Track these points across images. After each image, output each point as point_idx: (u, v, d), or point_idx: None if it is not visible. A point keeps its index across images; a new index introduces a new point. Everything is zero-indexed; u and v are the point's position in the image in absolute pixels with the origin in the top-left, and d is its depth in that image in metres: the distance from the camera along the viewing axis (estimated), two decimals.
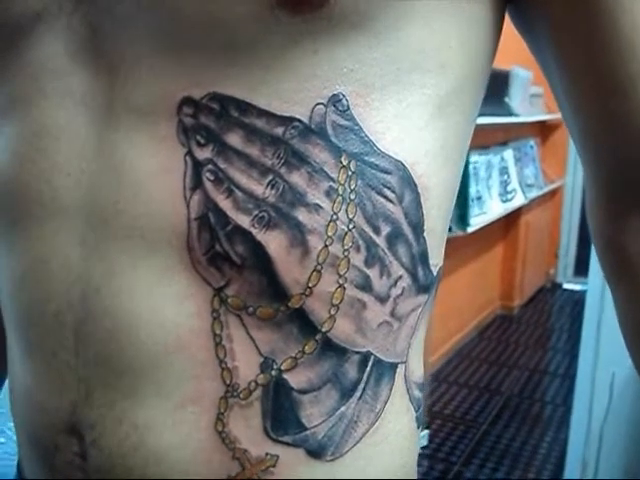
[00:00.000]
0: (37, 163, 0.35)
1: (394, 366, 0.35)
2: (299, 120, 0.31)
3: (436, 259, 0.36)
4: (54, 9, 0.33)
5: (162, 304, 0.32)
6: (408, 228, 0.34)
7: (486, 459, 2.27)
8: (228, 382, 0.32)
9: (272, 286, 0.32)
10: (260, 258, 0.31)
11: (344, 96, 0.31)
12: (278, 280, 0.32)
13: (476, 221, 2.79)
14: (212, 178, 0.31)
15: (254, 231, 0.31)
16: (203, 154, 0.31)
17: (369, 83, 0.32)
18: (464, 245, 2.98)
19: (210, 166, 0.31)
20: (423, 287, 0.35)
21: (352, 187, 0.32)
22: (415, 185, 0.34)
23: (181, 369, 0.33)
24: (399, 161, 0.33)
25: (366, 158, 0.32)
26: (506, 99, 3.17)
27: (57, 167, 0.34)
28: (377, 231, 0.33)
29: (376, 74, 0.32)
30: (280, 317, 0.32)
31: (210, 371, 0.32)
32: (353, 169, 0.32)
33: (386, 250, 0.33)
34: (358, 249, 0.32)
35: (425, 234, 0.35)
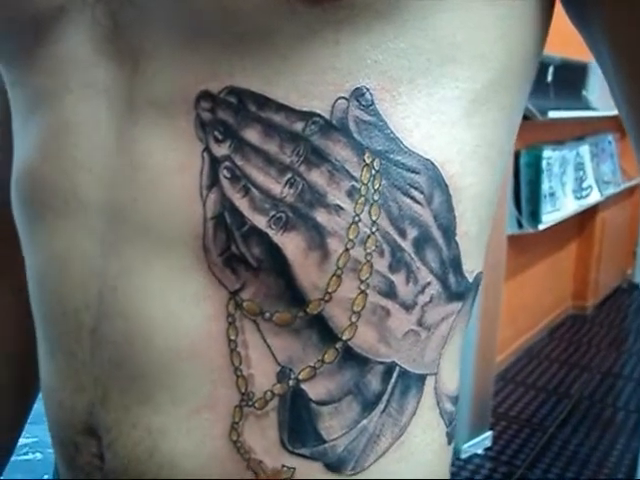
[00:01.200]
0: (60, 159, 0.34)
1: (422, 378, 0.33)
2: (319, 115, 0.29)
3: (472, 265, 0.34)
4: (78, 1, 0.33)
5: (177, 306, 0.31)
6: (438, 232, 0.31)
7: (552, 464, 2.19)
8: (243, 390, 0.31)
9: (289, 290, 0.30)
10: (277, 261, 0.30)
11: (368, 90, 0.29)
12: (295, 284, 0.30)
13: (548, 218, 2.71)
14: (229, 176, 0.30)
15: (271, 232, 0.29)
16: (220, 150, 0.30)
17: (395, 76, 0.30)
18: (535, 242, 2.90)
19: (227, 163, 0.30)
20: (455, 294, 0.33)
21: (376, 187, 0.30)
22: (446, 186, 0.31)
23: (195, 375, 0.32)
24: (428, 160, 0.31)
25: (391, 156, 0.30)
26: (584, 92, 3.05)
27: (79, 163, 0.34)
28: (403, 234, 0.30)
29: (403, 66, 0.30)
30: (298, 323, 0.31)
31: (225, 378, 0.31)
32: (377, 168, 0.30)
33: (413, 255, 0.31)
34: (382, 253, 0.30)
35: (457, 238, 0.32)
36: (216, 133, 0.30)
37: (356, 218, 0.30)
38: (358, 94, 0.29)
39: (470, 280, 0.34)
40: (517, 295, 2.84)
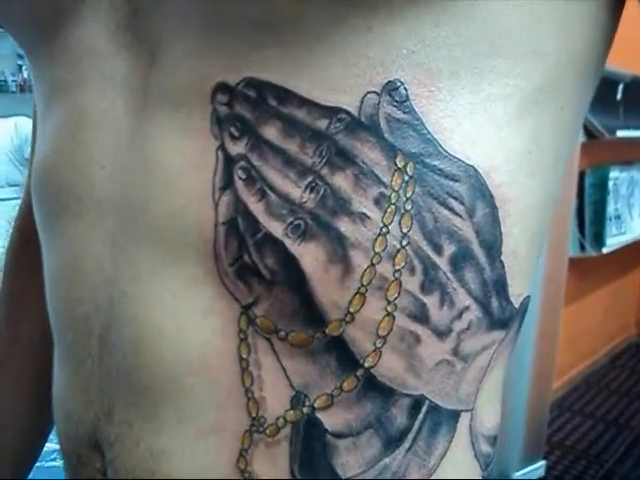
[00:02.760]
0: (75, 155, 0.33)
1: (455, 414, 0.29)
2: (346, 111, 0.26)
3: (519, 288, 0.30)
4: None
5: (186, 317, 0.29)
6: (480, 249, 0.28)
7: None
8: (254, 415, 0.28)
9: (306, 308, 0.27)
10: (292, 274, 0.27)
11: (402, 83, 0.26)
12: (313, 301, 0.27)
13: (613, 241, 2.61)
14: (244, 177, 0.27)
15: (287, 241, 0.26)
16: (236, 149, 0.27)
17: (435, 69, 0.26)
18: (598, 266, 2.79)
19: (243, 163, 0.27)
20: (498, 321, 0.29)
21: (408, 195, 0.26)
22: (491, 196, 0.27)
23: (204, 394, 0.29)
24: (471, 166, 0.27)
25: (428, 160, 0.26)
26: None
27: (94, 159, 0.32)
28: (438, 250, 0.27)
29: (444, 58, 0.26)
30: (315, 345, 0.27)
31: (235, 400, 0.28)
32: (410, 173, 0.26)
33: (449, 274, 0.27)
34: (413, 271, 0.27)
35: (503, 257, 0.28)
36: (232, 129, 0.27)
37: (384, 229, 0.26)
38: (391, 88, 0.26)
39: (516, 305, 0.30)
40: (577, 320, 2.74)
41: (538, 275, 1.69)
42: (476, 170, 0.27)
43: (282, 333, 0.27)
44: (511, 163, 0.28)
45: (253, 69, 0.27)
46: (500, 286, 0.29)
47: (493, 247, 0.28)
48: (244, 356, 0.28)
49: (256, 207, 0.27)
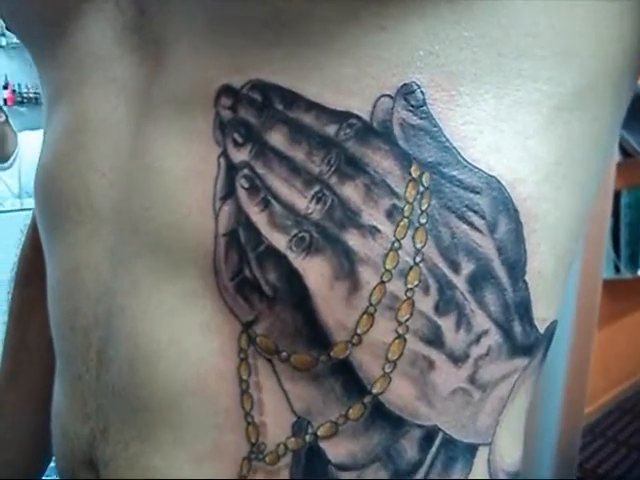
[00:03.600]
0: (76, 160, 0.32)
1: (472, 448, 0.27)
2: (357, 116, 0.24)
3: (545, 311, 0.27)
4: None
5: (184, 334, 0.27)
6: (501, 267, 0.25)
7: None
8: (253, 440, 0.26)
9: (309, 327, 0.25)
10: (296, 290, 0.25)
11: (419, 87, 0.24)
12: (317, 321, 0.25)
13: None
14: (247, 186, 0.25)
15: (291, 255, 0.24)
16: (239, 156, 0.26)
17: (456, 71, 0.24)
18: (633, 288, 2.72)
19: (246, 171, 0.25)
20: (521, 347, 0.27)
21: (423, 207, 0.24)
22: (515, 211, 0.25)
23: (201, 415, 0.27)
24: (493, 177, 0.25)
25: (445, 170, 0.24)
26: None
27: (93, 165, 0.31)
28: (456, 268, 0.25)
29: (466, 59, 0.24)
30: (320, 368, 0.25)
31: (233, 423, 0.27)
32: (426, 184, 0.24)
33: (467, 294, 0.25)
34: (427, 290, 0.24)
35: (527, 277, 0.26)
36: (236, 135, 0.26)
37: (396, 244, 0.24)
38: (406, 91, 0.24)
39: (541, 330, 0.27)
40: (611, 344, 2.67)
41: (570, 297, 1.65)
42: (499, 181, 0.25)
43: (284, 354, 0.26)
44: (538, 175, 0.26)
45: (260, 70, 0.25)
46: (523, 309, 0.26)
47: (516, 266, 0.26)
48: (244, 377, 0.26)
49: (259, 218, 0.25)
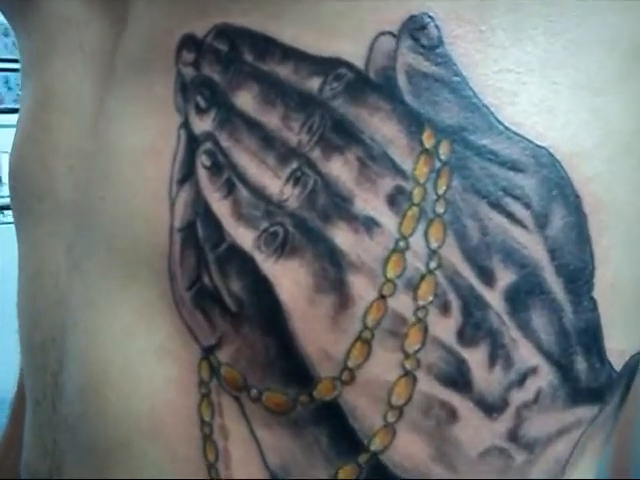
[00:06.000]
0: (40, 143, 0.28)
1: None
2: (347, 64, 0.18)
3: (621, 341, 0.21)
4: None
5: (136, 357, 0.22)
6: (556, 279, 0.19)
7: None
8: None
9: (284, 357, 0.19)
10: (265, 305, 0.19)
11: (432, 19, 0.18)
12: (294, 347, 0.19)
13: None
14: (208, 164, 0.20)
15: (259, 257, 0.19)
16: (202, 125, 0.21)
17: None
18: None
19: (208, 144, 0.20)
20: (588, 391, 0.20)
21: (441, 191, 0.18)
22: (576, 197, 0.19)
23: (157, 462, 0.22)
24: (543, 148, 0.18)
25: (472, 138, 0.18)
26: None
27: (56, 149, 0.27)
28: (488, 279, 0.18)
29: None
30: (299, 412, 0.19)
31: (195, 476, 0.21)
32: (445, 157, 0.18)
33: (505, 316, 0.18)
34: (446, 309, 0.18)
35: (596, 293, 0.19)
36: (199, 99, 0.21)
37: (401, 243, 0.18)
38: (415, 26, 0.18)
39: (617, 367, 0.21)
40: None
41: None
42: (552, 155, 0.18)
43: (254, 391, 0.19)
44: (609, 147, 0.19)
45: (227, 12, 0.20)
46: (590, 337, 0.19)
47: (579, 277, 0.19)
48: (206, 419, 0.21)
49: (220, 207, 0.19)
